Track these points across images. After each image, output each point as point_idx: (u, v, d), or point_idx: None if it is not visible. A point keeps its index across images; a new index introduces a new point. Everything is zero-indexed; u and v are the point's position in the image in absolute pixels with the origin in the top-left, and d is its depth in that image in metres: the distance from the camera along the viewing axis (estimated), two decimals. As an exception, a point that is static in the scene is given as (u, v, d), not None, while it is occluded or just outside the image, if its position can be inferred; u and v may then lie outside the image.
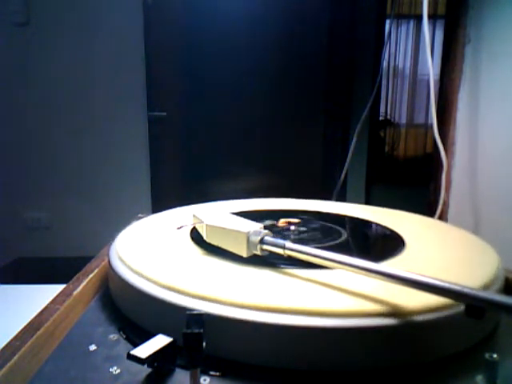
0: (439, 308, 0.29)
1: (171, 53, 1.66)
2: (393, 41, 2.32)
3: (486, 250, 0.41)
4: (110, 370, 0.28)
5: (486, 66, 0.71)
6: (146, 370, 0.27)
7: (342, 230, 0.48)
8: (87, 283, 0.39)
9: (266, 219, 0.49)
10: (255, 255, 0.36)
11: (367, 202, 1.75)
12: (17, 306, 0.53)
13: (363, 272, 0.29)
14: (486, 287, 0.33)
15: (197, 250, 0.40)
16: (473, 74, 0.74)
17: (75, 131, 1.68)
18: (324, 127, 1.72)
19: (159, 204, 1.67)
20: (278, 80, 1.69)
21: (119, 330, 0.33)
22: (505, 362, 0.27)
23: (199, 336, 0.24)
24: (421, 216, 0.55)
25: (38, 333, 0.30)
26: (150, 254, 0.39)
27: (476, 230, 0.72)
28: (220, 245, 0.38)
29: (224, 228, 0.37)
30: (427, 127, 2.32)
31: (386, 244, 0.46)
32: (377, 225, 0.51)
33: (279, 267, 0.35)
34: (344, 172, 1.09)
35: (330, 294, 0.30)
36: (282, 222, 0.48)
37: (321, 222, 0.51)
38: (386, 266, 0.29)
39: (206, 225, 0.39)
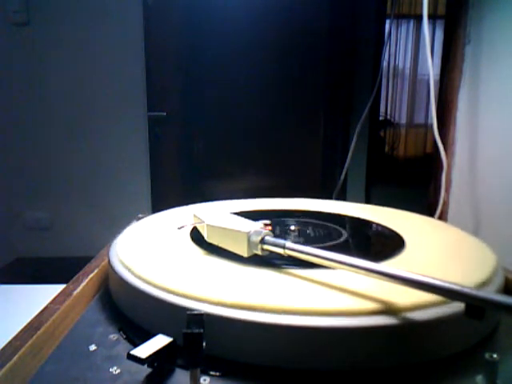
0: (439, 308, 0.29)
1: (171, 53, 1.66)
2: (393, 41, 2.32)
3: (484, 250, 0.41)
4: (110, 370, 0.28)
5: (485, 66, 0.71)
6: (146, 370, 0.27)
7: (342, 230, 0.48)
8: (87, 283, 0.39)
9: (266, 219, 0.49)
10: (256, 255, 0.36)
11: (367, 202, 1.75)
12: (17, 306, 0.53)
13: (363, 272, 0.29)
14: (484, 287, 0.33)
15: (197, 250, 0.40)
16: (473, 74, 0.74)
17: (75, 131, 1.68)
18: (324, 127, 1.72)
19: (159, 204, 1.67)
20: (278, 80, 1.69)
21: (119, 330, 0.33)
22: (505, 362, 0.27)
23: (199, 336, 0.24)
24: (421, 216, 0.55)
25: (38, 333, 0.30)
26: (150, 254, 0.39)
27: (476, 229, 0.72)
28: (220, 245, 0.38)
29: (225, 228, 0.37)
30: (427, 127, 2.32)
31: (386, 244, 0.46)
32: (377, 225, 0.51)
33: (280, 267, 0.35)
34: (344, 172, 1.09)
35: (331, 293, 0.30)
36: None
37: (321, 222, 0.51)
38: (386, 265, 0.29)
39: (207, 225, 0.39)
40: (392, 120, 2.37)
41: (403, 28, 2.38)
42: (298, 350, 0.28)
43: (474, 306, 0.25)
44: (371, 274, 0.29)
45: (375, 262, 0.29)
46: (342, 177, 1.09)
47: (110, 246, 0.43)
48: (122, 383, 0.27)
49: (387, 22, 1.81)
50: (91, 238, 1.28)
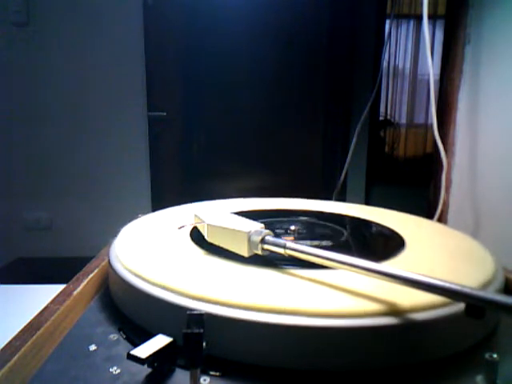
0: (439, 308, 0.29)
1: (171, 53, 1.66)
2: (393, 41, 2.32)
3: (483, 252, 0.41)
4: (110, 370, 0.28)
5: (485, 66, 0.71)
6: (146, 370, 0.27)
7: (343, 230, 0.48)
8: (87, 283, 0.39)
9: (266, 219, 0.49)
10: (256, 255, 0.36)
11: (367, 202, 1.75)
12: (17, 306, 0.53)
13: (364, 272, 0.29)
14: (485, 287, 0.33)
15: (197, 250, 0.40)
16: (473, 74, 0.74)
17: (75, 131, 1.68)
18: (324, 127, 1.72)
19: (159, 204, 1.66)
20: (278, 80, 1.69)
21: (119, 330, 0.33)
22: (505, 362, 0.27)
23: (199, 336, 0.24)
24: (420, 218, 0.55)
25: (38, 333, 0.30)
26: (150, 254, 0.39)
27: (476, 229, 0.72)
28: (221, 244, 0.38)
29: (225, 228, 0.37)
30: (427, 127, 2.32)
31: (386, 244, 0.46)
32: (377, 225, 0.51)
33: (280, 267, 0.35)
34: (344, 172, 1.09)
35: (331, 293, 0.30)
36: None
37: (321, 222, 0.51)
38: (386, 265, 0.29)
39: (207, 224, 0.39)
40: (392, 120, 2.37)
41: (403, 28, 2.38)
42: (299, 350, 0.28)
43: (474, 305, 0.25)
44: (371, 274, 0.29)
45: (375, 262, 0.29)
46: (342, 177, 1.09)
47: (109, 245, 0.43)
48: (121, 383, 0.27)
49: (387, 21, 1.81)
50: (91, 238, 1.28)
